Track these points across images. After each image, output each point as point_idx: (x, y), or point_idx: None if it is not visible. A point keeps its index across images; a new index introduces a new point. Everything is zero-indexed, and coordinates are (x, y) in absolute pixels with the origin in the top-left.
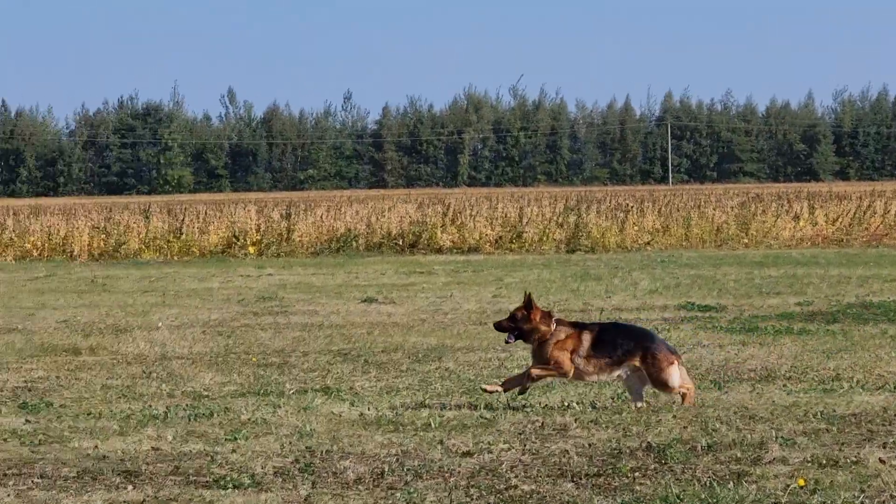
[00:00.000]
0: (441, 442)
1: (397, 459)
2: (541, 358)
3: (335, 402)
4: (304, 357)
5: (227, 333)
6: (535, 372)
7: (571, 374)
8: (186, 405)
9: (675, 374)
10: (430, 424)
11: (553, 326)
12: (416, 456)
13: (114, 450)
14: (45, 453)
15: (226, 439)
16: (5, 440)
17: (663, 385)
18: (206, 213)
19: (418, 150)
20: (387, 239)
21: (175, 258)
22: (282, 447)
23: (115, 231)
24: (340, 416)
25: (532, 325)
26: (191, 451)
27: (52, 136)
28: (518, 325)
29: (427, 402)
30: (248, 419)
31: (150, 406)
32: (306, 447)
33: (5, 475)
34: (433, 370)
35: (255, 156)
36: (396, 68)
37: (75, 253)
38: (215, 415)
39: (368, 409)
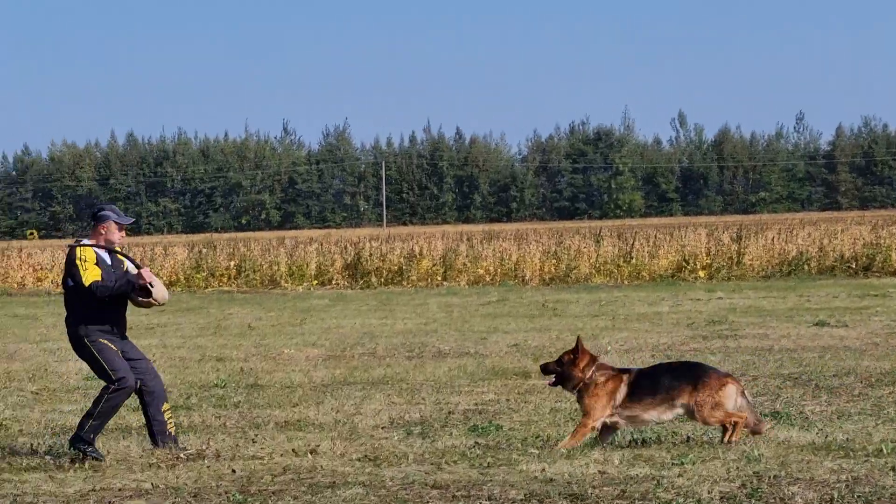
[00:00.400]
0: (893, 468)
1: (847, 486)
2: (581, 407)
3: (784, 426)
4: (753, 381)
5: (676, 357)
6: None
7: (598, 425)
8: (633, 430)
9: (730, 398)
10: (881, 450)
11: (590, 373)
12: (866, 482)
13: (560, 473)
14: (493, 475)
15: (672, 463)
16: (455, 462)
17: (713, 409)
18: (655, 237)
19: (873, 171)
20: (839, 262)
21: (625, 282)
22: (728, 472)
23: (566, 256)
24: (789, 441)
25: (572, 370)
26: (637, 475)
27: (505, 163)
28: (563, 369)
29: (879, 427)
30: (695, 443)
31: None
32: (753, 472)
33: (454, 497)
34: (886, 395)
35: (706, 179)
36: (850, 87)
37: (527, 277)
38: (663, 439)
39: (818, 434)
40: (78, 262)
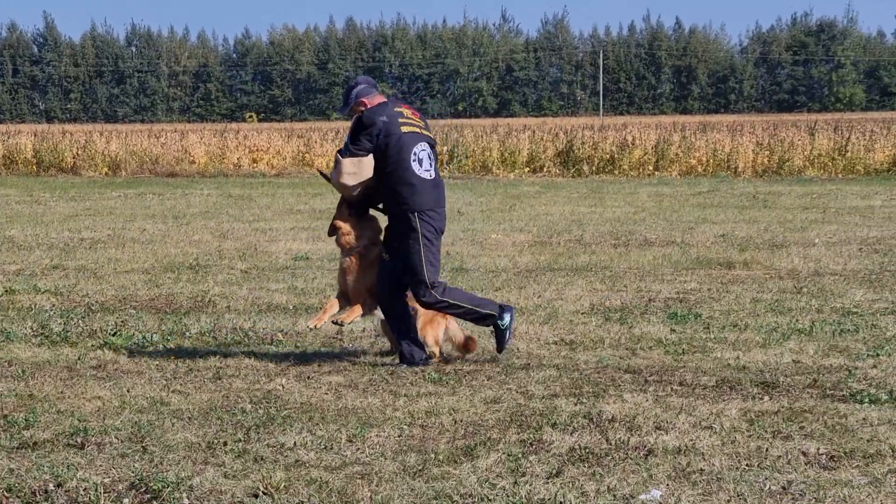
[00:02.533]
0: None
1: None
2: None
3: None
4: None
5: (884, 251)
6: None
7: None
8: (833, 320)
9: None
10: None
11: None
12: None
13: (754, 361)
14: (687, 362)
15: (867, 355)
16: (650, 348)
17: None
18: (872, 131)
19: None
20: None
21: (839, 175)
22: None
23: (779, 148)
24: None
25: None
26: (830, 364)
27: (724, 54)
28: None
29: None
30: (894, 336)
31: (796, 320)
32: None
33: (646, 381)
34: None
35: None
36: None
37: (739, 169)
38: (860, 330)
39: None
40: None
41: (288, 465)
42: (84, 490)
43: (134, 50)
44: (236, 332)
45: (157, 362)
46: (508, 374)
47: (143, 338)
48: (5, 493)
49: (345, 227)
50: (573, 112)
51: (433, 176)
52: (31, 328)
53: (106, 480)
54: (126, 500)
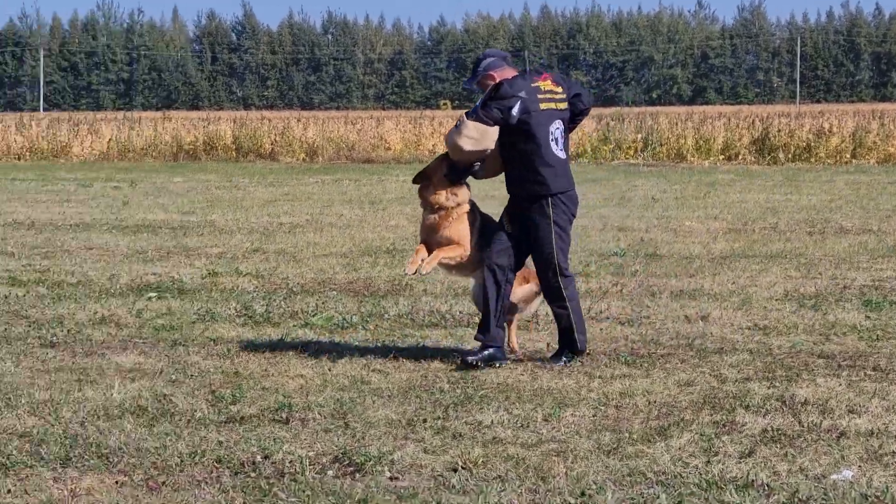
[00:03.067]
0: None
1: None
2: None
3: None
4: None
5: None
6: None
7: None
8: None
9: None
10: None
11: None
12: None
13: None
14: (881, 348)
15: None
16: (844, 334)
17: None
18: None
19: None
20: None
21: None
22: None
23: None
24: None
25: None
26: None
27: None
28: None
29: None
30: None
31: None
32: None
33: (839, 366)
34: None
35: None
36: None
37: None
38: None
39: None
40: None
41: (485, 442)
42: (290, 462)
43: (330, 38)
44: (433, 315)
45: (357, 343)
46: (702, 358)
47: (343, 319)
48: (215, 464)
49: (438, 182)
50: (769, 100)
51: (565, 156)
52: (235, 309)
53: (310, 453)
54: (330, 472)
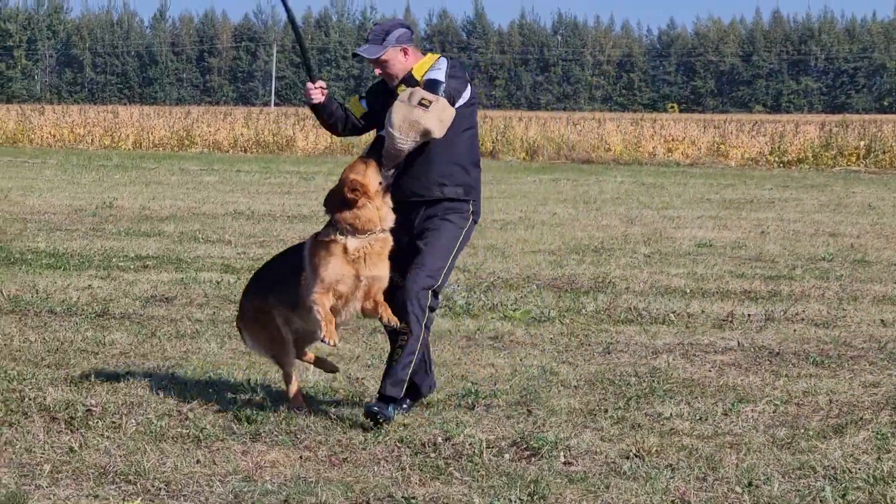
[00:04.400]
0: None
1: None
2: None
3: None
4: None
5: None
6: None
7: None
8: None
9: None
10: None
11: None
12: None
13: None
14: None
15: None
16: None
17: None
18: None
19: None
20: None
21: None
22: None
23: None
24: None
25: None
26: None
27: None
28: None
29: None
30: None
31: None
32: None
33: None
34: None
35: None
36: None
37: None
38: None
39: None
40: None
41: (662, 433)
42: (469, 444)
43: (559, 38)
44: (630, 312)
45: (552, 336)
46: (891, 361)
47: (541, 313)
48: (397, 444)
49: (377, 196)
50: None
51: None
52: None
53: (490, 437)
54: (507, 455)
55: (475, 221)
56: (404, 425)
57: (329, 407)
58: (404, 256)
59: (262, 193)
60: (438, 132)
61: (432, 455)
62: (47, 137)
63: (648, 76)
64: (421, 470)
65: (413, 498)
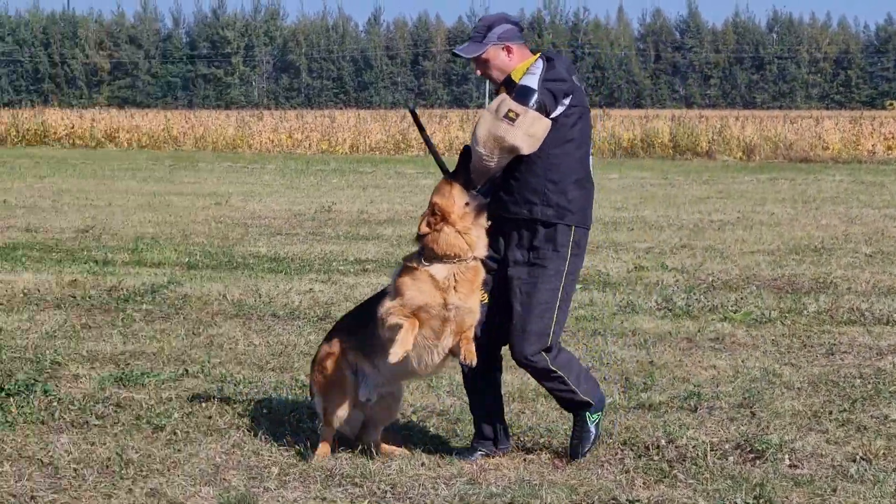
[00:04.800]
0: None
1: None
2: None
3: None
4: None
5: None
6: None
7: None
8: None
9: None
10: None
11: None
12: None
13: None
14: None
15: None
16: None
17: None
18: None
19: None
20: None
21: None
22: None
23: None
24: None
25: None
26: None
27: None
28: None
29: None
30: None
31: None
32: None
33: None
34: None
35: None
36: None
37: None
38: None
39: None
40: None
41: (889, 435)
42: (693, 447)
43: (775, 36)
44: (852, 312)
45: (773, 337)
46: None
47: (762, 314)
48: (620, 446)
49: (461, 220)
50: None
51: None
52: (656, 302)
53: (713, 440)
54: (731, 458)
55: (578, 255)
56: (627, 427)
57: (551, 409)
58: (499, 280)
59: None
60: (527, 148)
61: (656, 458)
62: (266, 143)
63: (866, 73)
64: (645, 473)
65: (637, 501)
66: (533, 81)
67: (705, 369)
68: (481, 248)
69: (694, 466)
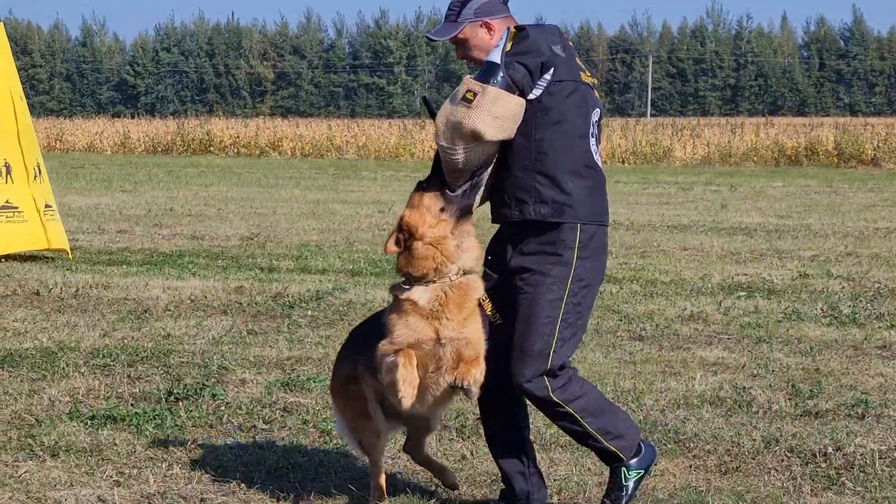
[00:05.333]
0: None
1: None
2: None
3: None
4: None
5: None
6: None
7: None
8: None
9: None
10: None
11: None
12: None
13: None
14: None
15: None
16: None
17: None
18: None
19: None
20: None
21: None
22: None
23: None
24: None
25: None
26: None
27: None
28: None
29: None
30: None
31: None
32: None
33: None
34: None
35: None
36: None
37: None
38: None
39: None
40: None
41: None
42: (860, 455)
43: None
44: None
45: None
46: None
47: None
48: (787, 453)
49: (432, 230)
50: None
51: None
52: (822, 309)
53: (882, 448)
54: None
55: (588, 258)
56: (793, 434)
57: (717, 415)
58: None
59: (641, 204)
60: (493, 132)
61: (823, 465)
62: (428, 151)
63: None
64: (812, 480)
65: None
66: (496, 55)
67: (872, 377)
68: (469, 258)
69: (862, 474)
